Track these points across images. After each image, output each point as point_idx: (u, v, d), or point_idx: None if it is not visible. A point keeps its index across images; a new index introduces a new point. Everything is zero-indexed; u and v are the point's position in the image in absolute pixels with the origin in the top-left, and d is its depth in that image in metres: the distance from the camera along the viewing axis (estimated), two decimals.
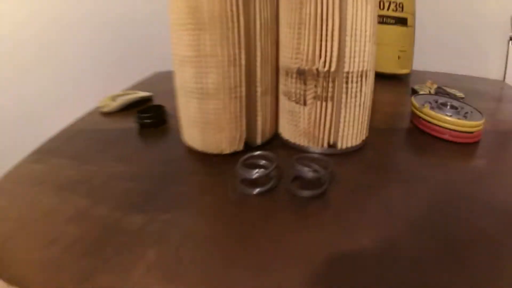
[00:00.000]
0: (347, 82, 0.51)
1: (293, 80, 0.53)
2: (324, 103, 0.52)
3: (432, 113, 0.62)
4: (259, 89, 0.52)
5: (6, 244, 0.37)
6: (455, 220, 0.40)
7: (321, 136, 0.53)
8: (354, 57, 0.50)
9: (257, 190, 0.44)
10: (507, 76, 1.04)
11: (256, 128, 0.54)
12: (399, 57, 0.97)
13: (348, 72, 0.51)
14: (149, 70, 1.08)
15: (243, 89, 0.50)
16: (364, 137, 0.57)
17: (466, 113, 0.61)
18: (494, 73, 1.05)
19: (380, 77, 0.72)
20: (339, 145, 0.54)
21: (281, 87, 0.56)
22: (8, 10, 1.13)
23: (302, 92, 0.53)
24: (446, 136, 0.60)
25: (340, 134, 0.53)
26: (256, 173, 0.43)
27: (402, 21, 0.95)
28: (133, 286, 0.32)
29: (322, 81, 0.51)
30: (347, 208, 0.42)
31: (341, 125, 0.53)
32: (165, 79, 0.98)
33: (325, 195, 0.44)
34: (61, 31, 1.15)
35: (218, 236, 0.38)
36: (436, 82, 0.88)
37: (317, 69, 0.51)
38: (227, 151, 0.53)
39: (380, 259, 0.34)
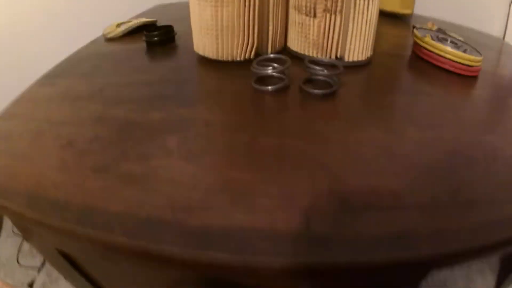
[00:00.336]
0: None
1: None
2: (333, 16, 0.54)
3: (433, 42, 0.63)
4: (271, 0, 0.53)
5: (23, 157, 0.37)
6: (457, 126, 0.42)
7: (329, 47, 0.56)
8: None
9: (272, 87, 0.46)
10: (506, 35, 1.05)
11: (268, 37, 0.56)
12: None
13: None
14: (151, 2, 1.07)
15: None
16: (369, 54, 0.59)
17: (465, 50, 0.63)
18: (494, 32, 1.05)
19: (382, 14, 0.73)
20: (346, 58, 0.56)
21: (292, 1, 0.57)
22: None
23: (312, 5, 0.54)
24: (446, 66, 0.61)
25: (347, 47, 0.55)
26: (271, 69, 0.46)
27: None
28: (154, 169, 0.33)
29: None
30: (355, 107, 0.44)
31: (349, 38, 0.55)
32: (168, 9, 0.97)
33: (335, 95, 0.47)
34: None
35: (235, 125, 0.40)
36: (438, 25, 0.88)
37: None
38: (239, 58, 0.54)
39: (388, 147, 0.37)
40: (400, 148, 0.37)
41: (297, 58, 0.59)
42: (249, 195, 0.31)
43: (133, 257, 0.29)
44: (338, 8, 0.53)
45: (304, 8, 0.55)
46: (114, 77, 0.53)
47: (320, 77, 0.47)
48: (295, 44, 0.59)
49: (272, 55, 0.49)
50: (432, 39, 0.64)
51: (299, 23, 0.57)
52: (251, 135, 0.38)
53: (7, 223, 1.11)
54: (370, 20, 0.55)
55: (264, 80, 0.49)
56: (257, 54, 0.56)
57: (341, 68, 0.46)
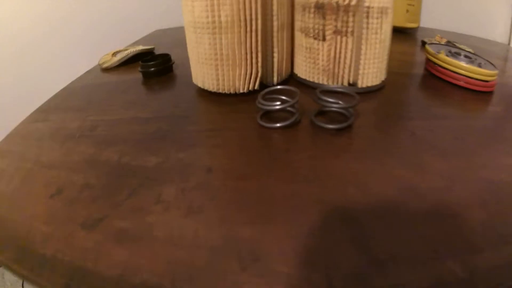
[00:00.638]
0: (367, 17, 0.48)
1: (311, 15, 0.50)
2: (344, 38, 0.49)
3: (448, 59, 0.59)
4: (275, 23, 0.49)
5: (10, 201, 0.34)
6: (483, 151, 0.38)
7: (340, 73, 0.50)
8: None
9: (280, 124, 0.41)
10: (511, 41, 1.02)
11: (273, 65, 0.51)
12: (407, 11, 0.94)
13: (369, 7, 0.48)
14: (149, 29, 1.03)
15: (259, 22, 0.47)
16: (383, 78, 0.54)
17: (480, 63, 0.59)
18: (499, 39, 1.03)
19: None
20: (359, 84, 0.51)
21: (297, 23, 0.52)
22: None
23: (321, 27, 0.49)
24: (461, 83, 0.58)
25: (360, 72, 0.50)
26: (279, 104, 0.40)
27: None
28: (150, 226, 0.29)
29: (342, 15, 0.48)
30: (374, 141, 0.40)
31: (362, 62, 0.50)
32: (166, 35, 0.94)
33: (350, 128, 0.42)
34: None
35: (241, 171, 0.35)
36: (445, 37, 0.85)
37: (337, 2, 0.47)
38: (242, 89, 0.49)
39: (413, 186, 0.32)
40: (427, 185, 0.32)
41: (304, 85, 0.54)
42: (261, 256, 0.26)
43: None
44: (350, 29, 0.48)
45: (311, 31, 0.50)
46: (107, 113, 0.49)
47: (333, 108, 0.42)
48: (302, 70, 0.55)
49: (279, 86, 0.43)
50: (446, 54, 0.60)
51: (306, 48, 0.52)
52: (259, 183, 0.33)
53: None
54: (384, 40, 0.51)
55: (271, 114, 0.44)
56: (261, 84, 0.51)
57: (357, 98, 0.41)
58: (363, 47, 0.49)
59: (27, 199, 0.34)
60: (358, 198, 0.31)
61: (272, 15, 0.48)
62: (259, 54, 0.48)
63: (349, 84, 0.51)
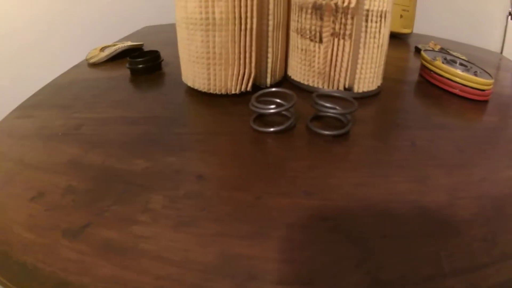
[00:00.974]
0: (366, 21, 0.47)
1: (308, 16, 0.48)
2: (341, 41, 0.47)
3: (445, 66, 0.58)
4: (271, 22, 0.47)
5: None
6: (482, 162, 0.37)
7: (336, 77, 0.49)
8: None
9: (274, 128, 0.39)
10: (504, 49, 1.03)
11: (266, 66, 0.49)
12: (401, 16, 0.93)
13: (368, 10, 0.46)
14: (139, 25, 1.00)
15: (254, 20, 0.45)
16: (379, 83, 0.52)
17: (476, 72, 0.58)
18: (491, 47, 1.04)
19: None
20: (355, 89, 0.50)
21: (293, 24, 0.51)
22: None
23: (318, 29, 0.48)
24: (456, 91, 0.57)
25: (357, 76, 0.49)
26: (274, 107, 0.39)
27: None
28: (136, 239, 0.27)
29: (341, 17, 0.46)
30: (373, 150, 0.38)
31: (359, 66, 0.48)
32: (156, 31, 0.91)
33: (348, 135, 0.40)
34: None
35: (234, 179, 0.33)
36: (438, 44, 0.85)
37: (335, 4, 0.46)
38: (234, 90, 0.47)
39: (416, 200, 0.31)
40: (431, 200, 0.31)
41: (298, 88, 0.52)
42: (257, 278, 0.24)
43: None
44: (348, 32, 0.47)
45: (308, 32, 0.49)
46: (93, 111, 0.46)
47: (330, 113, 0.40)
48: (297, 73, 0.53)
49: (274, 89, 0.42)
50: (442, 62, 0.59)
51: (302, 50, 0.50)
52: (254, 194, 0.31)
53: None
54: (382, 44, 0.49)
55: (264, 118, 0.42)
56: (254, 86, 0.49)
57: (356, 104, 0.39)
58: (361, 51, 0.48)
59: (8, 201, 0.31)
60: (360, 213, 0.29)
61: (268, 14, 0.46)
62: (253, 54, 0.46)
63: (345, 89, 0.50)
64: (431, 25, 1.07)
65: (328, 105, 0.40)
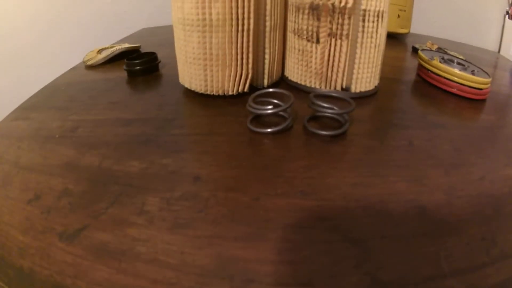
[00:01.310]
0: (364, 21, 0.47)
1: (305, 16, 0.48)
2: (339, 41, 0.47)
3: (442, 65, 0.58)
4: (268, 23, 0.47)
5: None
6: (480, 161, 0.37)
7: (334, 77, 0.49)
8: None
9: (272, 129, 0.39)
10: (502, 48, 1.03)
11: (264, 67, 0.49)
12: (398, 16, 0.93)
13: (365, 10, 0.46)
14: (136, 27, 1.00)
15: (252, 21, 0.45)
16: (377, 83, 0.52)
17: (473, 71, 0.58)
18: (489, 46, 1.04)
19: None
20: (352, 88, 0.49)
21: (290, 24, 0.50)
22: None
23: (315, 29, 0.47)
24: (454, 90, 0.57)
25: (354, 76, 0.49)
26: (271, 108, 0.38)
27: None
28: (132, 242, 0.26)
29: (338, 17, 0.46)
30: (370, 150, 0.38)
31: (356, 66, 0.48)
32: (153, 33, 0.91)
33: (345, 135, 0.40)
34: None
35: (231, 180, 0.33)
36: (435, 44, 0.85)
37: (332, 4, 0.46)
38: (231, 91, 0.47)
39: (415, 200, 0.31)
40: (429, 199, 0.31)
41: (295, 88, 0.52)
42: (255, 280, 0.23)
43: None
44: (345, 32, 0.47)
45: (305, 33, 0.48)
46: (90, 113, 0.46)
47: (327, 114, 0.40)
48: (294, 73, 0.53)
49: (271, 90, 0.41)
50: (439, 61, 0.59)
51: (299, 50, 0.50)
52: (251, 195, 0.31)
53: None
54: (379, 44, 0.49)
55: (261, 119, 0.42)
56: (251, 87, 0.49)
57: (353, 104, 0.39)
58: (358, 51, 0.48)
59: (3, 204, 0.31)
60: (359, 214, 0.29)
61: (265, 15, 0.46)
62: (250, 55, 0.46)
63: (342, 89, 0.50)
64: (428, 25, 1.07)
65: (325, 105, 0.40)
